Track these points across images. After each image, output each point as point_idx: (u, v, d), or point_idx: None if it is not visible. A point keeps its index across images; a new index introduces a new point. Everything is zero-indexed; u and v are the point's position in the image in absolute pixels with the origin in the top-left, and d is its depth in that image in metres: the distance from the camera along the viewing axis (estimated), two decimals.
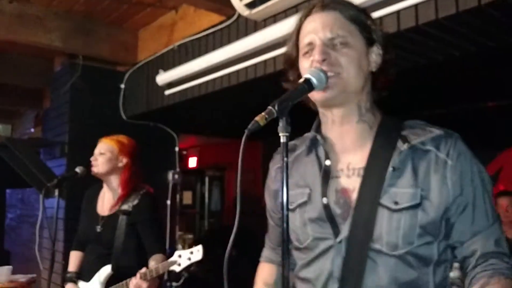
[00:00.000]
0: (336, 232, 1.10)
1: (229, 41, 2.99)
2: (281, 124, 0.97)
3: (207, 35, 3.20)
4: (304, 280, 1.19)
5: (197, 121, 4.66)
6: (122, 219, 2.47)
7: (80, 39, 3.70)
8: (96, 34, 3.81)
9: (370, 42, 1.15)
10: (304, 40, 1.15)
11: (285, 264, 0.96)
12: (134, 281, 2.25)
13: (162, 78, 3.55)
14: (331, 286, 1.09)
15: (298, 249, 1.21)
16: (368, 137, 1.15)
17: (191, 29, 3.39)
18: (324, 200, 1.12)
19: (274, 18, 2.66)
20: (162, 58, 3.71)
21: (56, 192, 2.59)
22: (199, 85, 3.27)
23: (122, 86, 4.17)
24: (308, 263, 1.17)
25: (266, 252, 1.45)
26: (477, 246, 1.07)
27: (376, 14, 2.06)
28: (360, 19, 1.16)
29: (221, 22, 3.06)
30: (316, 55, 1.09)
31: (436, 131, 1.11)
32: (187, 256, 2.27)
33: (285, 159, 0.97)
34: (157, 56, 3.75)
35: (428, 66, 2.52)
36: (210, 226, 8.67)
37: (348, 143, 1.16)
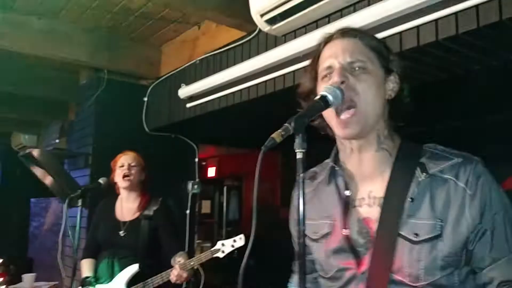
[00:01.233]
0: (359, 262, 1.11)
1: (249, 55, 3.06)
2: (297, 141, 0.98)
3: (228, 50, 3.28)
4: None
5: (216, 133, 4.73)
6: (145, 223, 2.70)
7: (106, 54, 3.82)
8: (121, 49, 3.92)
9: (387, 71, 1.16)
10: (323, 64, 1.16)
11: (301, 278, 0.97)
12: (175, 272, 2.47)
13: (184, 91, 3.63)
14: None
15: (323, 278, 1.23)
16: (387, 165, 1.15)
17: (212, 44, 3.48)
18: (344, 231, 1.14)
19: (294, 33, 2.71)
20: (184, 72, 3.80)
21: (80, 202, 2.70)
22: (220, 98, 3.35)
23: (145, 99, 4.27)
24: None
25: (294, 279, 1.43)
26: (496, 273, 1.05)
27: (395, 30, 2.10)
28: (379, 47, 1.18)
29: (242, 38, 3.13)
30: (335, 77, 1.11)
31: (455, 158, 1.10)
32: (230, 244, 2.51)
33: (301, 175, 0.98)
34: (179, 70, 3.85)
35: (448, 79, 2.53)
36: (228, 235, 8.69)
37: (368, 172, 1.17)
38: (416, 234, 1.05)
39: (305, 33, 2.64)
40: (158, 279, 2.53)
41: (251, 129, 4.65)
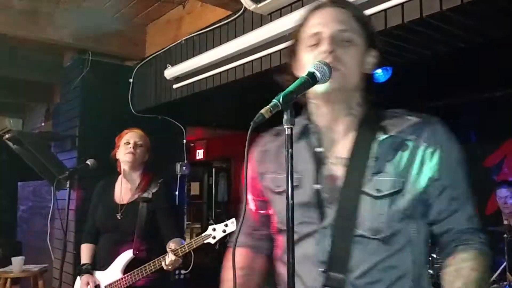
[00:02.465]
0: (322, 216, 1.15)
1: (235, 35, 3.05)
2: (286, 116, 1.00)
3: (213, 29, 3.26)
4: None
5: (204, 114, 4.72)
6: (143, 206, 2.58)
7: (90, 35, 3.76)
8: (106, 30, 3.86)
9: (370, 45, 1.19)
10: (309, 30, 1.17)
11: (290, 251, 0.99)
12: (168, 259, 2.37)
13: (170, 72, 3.61)
14: (314, 269, 1.14)
15: (281, 231, 1.26)
16: (353, 128, 1.20)
17: (198, 23, 3.45)
18: (316, 186, 1.17)
19: (280, 11, 2.70)
20: (169, 53, 3.77)
21: (68, 184, 2.68)
22: (206, 78, 3.34)
23: (131, 80, 4.24)
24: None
25: (240, 238, 1.40)
26: (452, 224, 1.15)
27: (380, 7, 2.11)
28: (365, 21, 1.20)
29: (227, 17, 3.11)
30: (325, 46, 1.12)
31: (414, 119, 1.17)
32: (221, 229, 2.39)
33: (290, 150, 1.00)
34: (164, 50, 3.82)
35: (432, 57, 2.54)
36: (217, 216, 8.77)
37: (336, 133, 1.21)
38: (378, 190, 1.11)
39: (291, 11, 2.63)
40: (151, 266, 2.44)
41: (239, 110, 4.64)
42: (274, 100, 1.00)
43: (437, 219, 1.16)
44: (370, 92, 1.23)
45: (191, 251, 2.44)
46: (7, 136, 3.88)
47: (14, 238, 5.62)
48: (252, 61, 2.92)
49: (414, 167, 1.12)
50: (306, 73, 1.08)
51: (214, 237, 2.39)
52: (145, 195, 2.61)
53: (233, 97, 3.80)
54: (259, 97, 4.02)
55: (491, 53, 3.02)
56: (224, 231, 2.39)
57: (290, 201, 1.01)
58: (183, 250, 2.37)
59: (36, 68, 4.66)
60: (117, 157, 2.71)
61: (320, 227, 1.15)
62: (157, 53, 3.93)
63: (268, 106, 1.00)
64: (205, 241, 2.39)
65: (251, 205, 1.42)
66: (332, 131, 1.22)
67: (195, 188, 9.50)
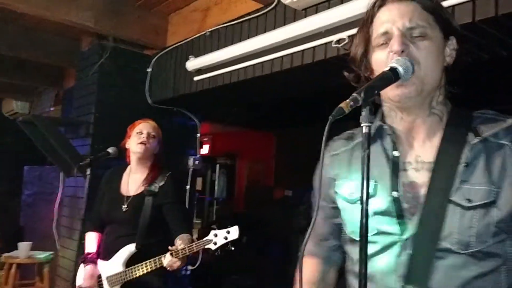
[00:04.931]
0: (403, 228, 1.06)
1: (265, 29, 2.97)
2: (364, 113, 0.93)
3: (242, 22, 3.18)
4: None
5: (221, 109, 4.65)
6: (148, 199, 2.52)
7: (112, 20, 3.69)
8: (127, 16, 3.79)
9: (446, 35, 1.10)
10: (378, 30, 1.10)
11: (363, 258, 0.91)
12: (167, 259, 2.30)
13: (192, 64, 3.53)
14: (392, 283, 1.06)
15: (353, 241, 1.18)
16: (437, 130, 1.11)
17: (224, 16, 3.37)
18: (395, 193, 1.08)
19: (316, 7, 2.63)
20: (192, 44, 3.69)
21: (88, 171, 2.62)
22: (230, 72, 3.25)
23: (149, 69, 4.16)
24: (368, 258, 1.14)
25: (309, 245, 1.34)
26: None
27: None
28: (437, 10, 1.11)
29: (258, 10, 3.03)
30: (395, 45, 1.04)
31: (509, 121, 1.07)
32: (223, 235, 2.30)
33: (367, 151, 0.93)
34: (187, 41, 3.73)
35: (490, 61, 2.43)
36: (219, 213, 8.71)
37: (417, 135, 1.12)
38: (469, 200, 1.01)
39: (328, 7, 2.55)
40: (151, 264, 2.36)
41: (257, 108, 4.60)
42: (354, 94, 0.94)
43: None
44: (454, 86, 1.14)
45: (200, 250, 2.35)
46: (20, 118, 3.79)
47: (17, 223, 5.54)
48: (282, 57, 2.83)
49: (509, 176, 1.01)
50: (387, 68, 1.01)
51: (215, 243, 2.30)
52: (152, 188, 2.55)
53: (257, 94, 3.73)
54: (285, 95, 3.96)
55: None
56: (225, 238, 2.30)
57: (365, 207, 0.93)
58: (184, 252, 2.28)
59: (50, 50, 4.56)
60: (127, 147, 2.66)
61: (401, 238, 1.06)
62: (179, 43, 3.85)
63: (348, 100, 0.94)
64: (206, 246, 2.30)
65: (322, 213, 1.32)
66: (411, 133, 1.13)
67: (198, 184, 9.43)
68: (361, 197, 0.94)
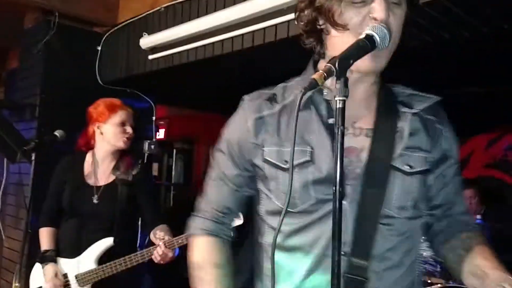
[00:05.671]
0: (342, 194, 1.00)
1: (224, 5, 2.83)
2: (339, 86, 0.86)
3: None
4: (293, 248, 1.07)
5: (177, 91, 4.47)
6: (123, 189, 2.34)
7: None
8: None
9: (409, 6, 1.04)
10: None
11: (335, 246, 0.84)
12: (160, 251, 2.15)
13: (146, 41, 3.35)
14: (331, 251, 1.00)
15: (281, 213, 1.06)
16: (373, 98, 1.12)
17: None
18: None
19: None
20: (146, 20, 3.49)
21: (33, 156, 2.42)
22: (188, 51, 3.10)
23: (99, 48, 3.91)
24: (301, 229, 1.05)
25: (205, 223, 1.21)
26: (457, 207, 1.17)
27: None
28: None
29: None
30: (381, 13, 0.95)
31: (431, 98, 1.14)
32: None
33: (341, 128, 0.87)
34: (140, 17, 3.53)
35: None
36: (176, 198, 8.55)
37: (355, 102, 1.06)
38: (410, 166, 1.05)
39: None
40: (138, 257, 2.20)
41: (216, 89, 4.45)
42: (329, 65, 0.86)
43: (445, 202, 1.15)
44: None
45: None
46: None
47: None
48: (243, 34, 2.71)
49: (438, 148, 1.11)
50: (363, 35, 0.93)
51: None
52: (125, 177, 2.36)
53: (216, 74, 3.58)
54: (244, 76, 3.83)
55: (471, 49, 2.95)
56: None
57: (338, 188, 0.85)
58: (180, 242, 2.14)
59: None
60: (98, 131, 2.39)
61: (344, 204, 0.99)
62: (131, 20, 3.63)
63: (321, 71, 0.86)
64: None
65: (230, 182, 1.19)
66: (350, 99, 1.00)
67: (154, 169, 9.20)
68: (334, 179, 0.86)
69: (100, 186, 2.37)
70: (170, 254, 2.17)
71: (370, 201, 1.02)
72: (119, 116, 2.37)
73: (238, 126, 1.17)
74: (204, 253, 1.19)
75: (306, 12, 1.08)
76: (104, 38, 3.89)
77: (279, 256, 1.06)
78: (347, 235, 1.00)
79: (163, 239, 2.18)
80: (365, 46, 0.91)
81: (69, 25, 3.76)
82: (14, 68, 4.69)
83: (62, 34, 3.70)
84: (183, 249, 2.03)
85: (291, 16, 2.41)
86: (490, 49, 2.79)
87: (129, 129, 2.38)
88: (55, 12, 3.58)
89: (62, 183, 2.44)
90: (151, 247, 2.21)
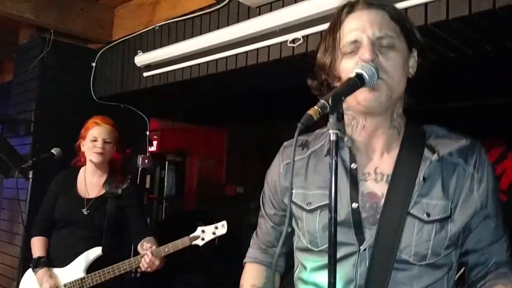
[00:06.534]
0: (361, 238, 1.07)
1: (218, 26, 2.90)
2: (332, 120, 0.92)
3: (193, 17, 3.08)
4: (313, 284, 1.15)
5: (171, 106, 4.52)
6: (112, 201, 2.46)
7: (53, 12, 3.48)
8: (70, 8, 3.59)
9: (410, 46, 1.11)
10: (347, 37, 1.08)
11: (331, 269, 0.91)
12: (147, 259, 2.25)
13: (141, 59, 3.40)
14: None
15: (308, 251, 1.17)
16: (395, 143, 1.14)
17: (174, 10, 3.26)
18: (354, 205, 1.09)
19: (270, 5, 2.59)
20: (141, 38, 3.55)
21: (31, 174, 2.46)
22: (182, 69, 3.16)
23: (93, 64, 3.96)
24: (322, 267, 1.13)
25: (254, 253, 1.37)
26: (491, 255, 1.12)
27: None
28: (403, 21, 1.11)
29: (210, 5, 2.95)
30: (366, 54, 1.03)
31: (462, 141, 1.12)
32: (211, 231, 2.31)
33: (335, 159, 0.93)
34: (135, 35, 3.59)
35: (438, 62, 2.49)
36: (168, 211, 8.54)
37: (376, 147, 1.14)
38: (428, 214, 1.05)
39: (283, 6, 2.52)
40: (125, 266, 2.29)
41: (210, 104, 4.51)
42: (322, 101, 0.92)
43: (475, 248, 1.12)
44: (411, 97, 1.15)
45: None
46: None
47: None
48: (236, 55, 2.77)
49: (463, 194, 1.08)
50: (353, 74, 1.00)
51: (203, 239, 2.29)
52: (114, 190, 2.49)
53: (210, 91, 3.65)
54: (239, 92, 3.90)
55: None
56: (214, 233, 2.31)
57: (333, 215, 0.93)
58: (167, 251, 2.24)
59: None
60: (82, 149, 2.54)
61: (359, 249, 1.07)
62: (125, 38, 3.69)
63: (316, 107, 0.92)
64: (193, 243, 2.29)
65: (270, 220, 1.33)
66: (371, 145, 1.14)
67: (146, 182, 9.19)
68: (329, 206, 0.93)
69: (91, 199, 2.48)
70: (157, 262, 2.26)
71: (384, 246, 1.05)
72: (92, 132, 2.49)
73: (273, 170, 1.29)
74: (246, 276, 1.34)
75: (318, 76, 1.18)
76: (98, 54, 3.94)
77: None
78: (361, 277, 1.05)
79: (151, 247, 2.27)
80: (355, 83, 0.98)
81: (64, 41, 3.81)
82: (6, 82, 4.72)
83: (57, 50, 3.75)
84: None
85: (284, 38, 2.50)
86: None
87: (98, 144, 2.46)
88: (50, 29, 3.63)
89: (55, 195, 2.55)
90: (138, 256, 2.30)
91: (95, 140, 2.47)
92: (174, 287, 5.35)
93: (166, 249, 2.25)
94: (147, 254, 2.24)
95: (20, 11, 3.30)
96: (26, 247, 2.58)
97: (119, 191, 2.48)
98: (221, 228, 2.31)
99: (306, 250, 1.17)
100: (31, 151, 3.57)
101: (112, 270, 2.30)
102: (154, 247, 2.29)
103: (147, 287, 4.67)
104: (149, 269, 2.27)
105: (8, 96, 4.23)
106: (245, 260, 1.39)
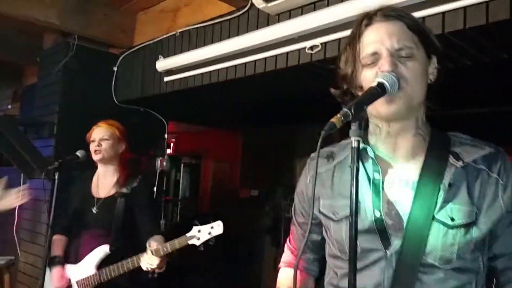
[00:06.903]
0: (387, 244, 1.11)
1: (238, 32, 2.97)
2: (354, 127, 0.97)
3: (214, 24, 3.15)
4: None
5: (190, 110, 4.60)
6: (120, 201, 2.52)
7: (77, 18, 3.58)
8: (94, 14, 3.69)
9: (429, 54, 1.15)
10: (366, 49, 1.13)
11: (352, 273, 0.96)
12: (146, 257, 2.28)
13: (162, 64, 3.48)
14: None
15: (338, 258, 1.22)
16: (421, 150, 1.17)
17: (195, 17, 3.34)
18: (377, 213, 1.13)
19: (289, 13, 2.65)
20: (161, 44, 3.63)
21: (56, 176, 2.53)
22: (202, 74, 3.23)
23: (115, 68, 4.07)
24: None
25: (288, 258, 1.47)
26: None
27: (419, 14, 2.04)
28: (422, 30, 1.15)
29: (230, 12, 3.02)
30: (385, 66, 1.08)
31: (486, 149, 1.15)
32: (207, 231, 2.31)
33: (356, 165, 0.97)
34: (156, 41, 3.67)
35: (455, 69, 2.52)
36: (183, 213, 8.62)
37: (401, 155, 1.17)
38: (452, 219, 1.08)
39: (301, 14, 2.58)
40: (129, 264, 2.34)
41: (227, 108, 4.58)
42: (345, 109, 0.97)
43: (503, 253, 1.15)
44: (433, 104, 1.19)
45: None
46: None
47: None
48: (255, 61, 2.84)
49: (487, 199, 1.11)
50: (375, 83, 1.05)
51: (198, 238, 2.30)
52: (124, 190, 2.55)
53: (229, 95, 3.71)
54: (258, 97, 3.95)
55: None
56: (210, 233, 2.31)
57: (353, 219, 0.97)
58: (165, 250, 2.27)
59: (9, 46, 4.38)
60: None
61: (386, 254, 1.11)
62: (147, 43, 3.78)
63: (339, 115, 0.96)
64: (189, 242, 2.30)
65: (300, 228, 1.41)
66: (396, 152, 1.18)
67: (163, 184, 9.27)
68: (350, 210, 0.97)
69: (101, 198, 2.57)
70: (156, 261, 2.27)
71: (411, 250, 1.08)
72: (91, 135, 2.64)
73: (302, 182, 1.37)
74: (282, 280, 1.45)
75: (341, 86, 1.23)
76: (120, 59, 4.04)
77: None
78: (388, 281, 1.10)
79: (151, 247, 2.30)
80: (377, 92, 1.04)
81: (87, 46, 3.92)
82: (30, 85, 4.84)
83: (80, 55, 3.86)
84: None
85: (302, 45, 2.56)
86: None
87: (95, 144, 2.58)
88: (74, 34, 3.74)
89: (71, 195, 2.67)
90: (139, 254, 2.33)
91: (94, 141, 2.59)
92: None
93: (165, 249, 2.27)
94: (146, 253, 2.28)
95: (46, 16, 3.41)
96: (50, 247, 2.67)
97: (128, 190, 2.54)
98: (217, 227, 2.31)
99: (336, 257, 1.23)
100: (54, 153, 3.68)
101: (117, 268, 2.36)
102: (155, 245, 2.31)
103: (162, 287, 4.74)
104: (147, 268, 2.29)
105: (32, 99, 4.35)
106: (280, 264, 1.48)
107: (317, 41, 2.48)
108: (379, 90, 1.04)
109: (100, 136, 2.60)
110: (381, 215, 1.12)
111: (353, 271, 0.96)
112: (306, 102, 3.94)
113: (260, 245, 6.00)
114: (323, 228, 1.29)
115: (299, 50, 2.59)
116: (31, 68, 4.90)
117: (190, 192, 8.86)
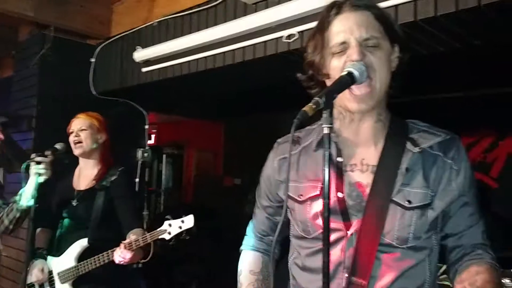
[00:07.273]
0: (348, 224, 1.18)
1: (215, 22, 2.97)
2: (325, 115, 1.01)
3: (191, 13, 3.15)
4: (308, 269, 1.26)
5: (170, 100, 4.59)
6: (100, 194, 2.50)
7: (53, 9, 3.54)
8: (70, 6, 3.65)
9: (392, 43, 1.20)
10: (335, 38, 1.16)
11: (325, 252, 1.01)
12: (118, 251, 2.27)
13: (140, 55, 3.47)
14: (339, 275, 1.17)
15: (302, 238, 1.28)
16: (381, 135, 1.23)
17: (173, 6, 3.32)
18: (340, 194, 1.19)
19: (267, 2, 2.67)
20: (139, 34, 3.62)
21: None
22: (181, 64, 3.23)
23: (93, 60, 4.03)
24: (314, 253, 1.24)
25: (250, 241, 1.50)
26: (467, 238, 1.23)
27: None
28: (387, 20, 1.20)
29: (207, 2, 3.02)
30: (354, 55, 1.12)
31: (442, 135, 1.21)
32: (178, 225, 2.31)
33: (327, 152, 1.02)
34: (133, 31, 3.65)
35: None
36: (166, 204, 8.61)
37: (363, 140, 1.23)
38: (409, 201, 1.15)
39: (279, 3, 2.60)
40: (104, 257, 2.34)
41: (206, 98, 4.58)
42: (316, 98, 1.01)
43: (453, 232, 1.23)
44: (396, 91, 1.23)
45: (152, 243, 2.31)
46: None
47: None
48: (234, 50, 2.85)
49: (442, 182, 1.18)
50: (344, 72, 1.09)
51: (169, 233, 2.31)
52: (103, 183, 2.53)
53: (204, 85, 3.72)
54: (235, 87, 3.97)
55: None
56: (180, 227, 2.32)
57: (326, 201, 1.03)
58: (137, 243, 2.27)
59: None
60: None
61: (346, 234, 1.17)
62: (124, 33, 3.75)
63: (311, 104, 1.01)
64: (160, 236, 2.30)
65: (265, 212, 1.45)
66: (358, 138, 1.23)
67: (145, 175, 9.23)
68: (324, 192, 1.03)
69: (81, 190, 2.56)
70: (128, 255, 2.26)
71: (369, 230, 1.15)
72: (70, 127, 2.61)
73: (268, 166, 1.41)
74: (244, 263, 1.47)
75: (307, 72, 1.27)
76: (97, 50, 4.00)
77: (299, 274, 1.30)
78: (348, 260, 1.16)
79: (124, 242, 2.30)
80: (346, 81, 1.08)
81: (63, 38, 3.87)
82: (5, 78, 4.76)
83: (57, 47, 3.80)
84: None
85: (280, 34, 2.58)
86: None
87: (73, 135, 2.57)
88: (51, 26, 3.69)
89: (54, 188, 2.65)
90: (114, 248, 2.32)
91: (72, 132, 2.57)
92: (175, 277, 5.45)
93: (137, 242, 2.27)
94: (120, 247, 2.27)
95: (21, 8, 3.36)
96: (32, 241, 2.67)
97: (107, 183, 2.52)
98: (188, 221, 2.31)
99: (300, 237, 1.28)
100: (33, 146, 3.64)
101: (94, 261, 2.36)
102: (128, 240, 2.30)
103: (148, 277, 4.77)
104: (122, 262, 2.29)
105: (7, 93, 4.29)
106: (242, 247, 1.51)
107: (294, 30, 2.51)
108: (349, 79, 1.08)
109: (78, 126, 2.57)
110: (343, 196, 1.18)
111: (326, 250, 1.01)
112: (286, 91, 3.96)
113: (244, 232, 6.06)
114: (288, 210, 1.33)
115: (276, 39, 2.62)
116: (5, 62, 4.82)
117: (173, 182, 8.84)
